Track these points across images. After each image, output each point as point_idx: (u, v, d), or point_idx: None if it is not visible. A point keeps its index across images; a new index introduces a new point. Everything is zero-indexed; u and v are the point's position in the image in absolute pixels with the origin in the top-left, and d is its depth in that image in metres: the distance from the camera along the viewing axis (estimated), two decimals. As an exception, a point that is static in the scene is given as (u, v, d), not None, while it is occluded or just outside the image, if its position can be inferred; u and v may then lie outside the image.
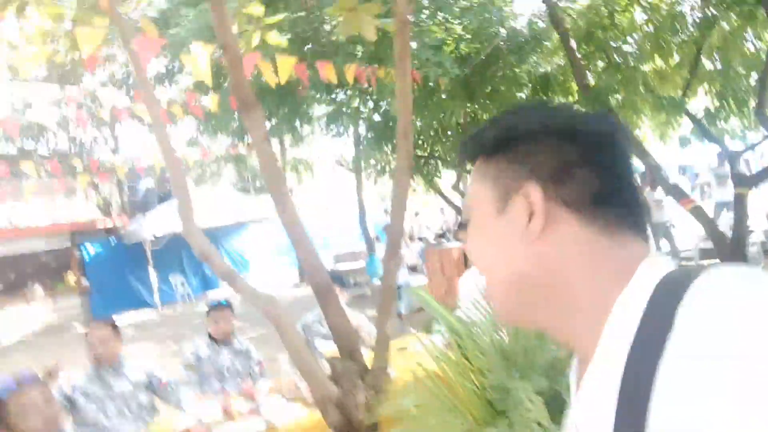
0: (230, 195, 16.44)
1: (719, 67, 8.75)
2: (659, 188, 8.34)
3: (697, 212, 6.72)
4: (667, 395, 0.45)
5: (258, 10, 3.82)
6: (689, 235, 10.28)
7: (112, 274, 14.02)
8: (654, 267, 0.55)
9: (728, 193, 9.81)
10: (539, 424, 1.39)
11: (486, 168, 0.65)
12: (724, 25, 8.25)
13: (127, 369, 3.16)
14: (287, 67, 5.59)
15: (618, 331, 0.53)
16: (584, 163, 0.59)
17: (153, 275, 13.90)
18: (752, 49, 8.59)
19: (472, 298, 2.19)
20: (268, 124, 10.61)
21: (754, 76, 8.01)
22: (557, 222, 0.58)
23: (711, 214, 9.26)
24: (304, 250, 2.28)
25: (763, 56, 7.77)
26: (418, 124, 9.53)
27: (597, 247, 0.57)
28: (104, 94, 14.55)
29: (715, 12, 6.91)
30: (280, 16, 3.77)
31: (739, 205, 6.78)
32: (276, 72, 5.65)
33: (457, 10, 7.84)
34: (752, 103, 7.93)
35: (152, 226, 13.42)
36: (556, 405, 1.55)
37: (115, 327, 3.18)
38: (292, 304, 11.36)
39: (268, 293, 2.29)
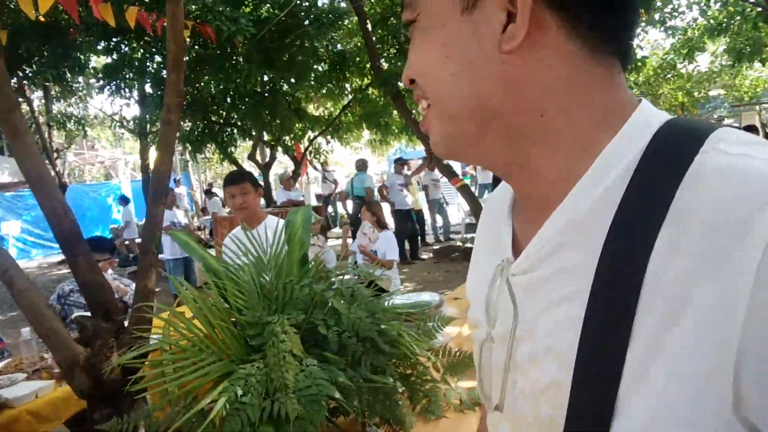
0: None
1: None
2: (436, 169, 9.27)
3: (464, 191, 7.65)
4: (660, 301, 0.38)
5: None
6: (457, 211, 11.73)
7: None
8: (653, 112, 0.46)
9: (489, 176, 11.47)
10: (292, 353, 1.40)
11: None
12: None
13: None
14: (47, -5, 4.74)
15: (597, 189, 0.44)
16: None
17: None
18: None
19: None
20: (28, 70, 8.95)
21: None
22: (540, 30, 0.44)
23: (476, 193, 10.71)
24: (45, 191, 1.95)
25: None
26: (213, 87, 9.01)
27: (585, 72, 0.45)
28: None
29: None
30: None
31: (496, 185, 7.99)
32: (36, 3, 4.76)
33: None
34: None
35: None
36: (312, 336, 1.59)
37: None
38: (55, 283, 9.91)
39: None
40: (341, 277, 1.62)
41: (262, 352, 1.48)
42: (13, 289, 1.91)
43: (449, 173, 7.85)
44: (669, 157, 0.41)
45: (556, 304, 0.46)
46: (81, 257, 2.05)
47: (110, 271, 3.84)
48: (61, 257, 12.90)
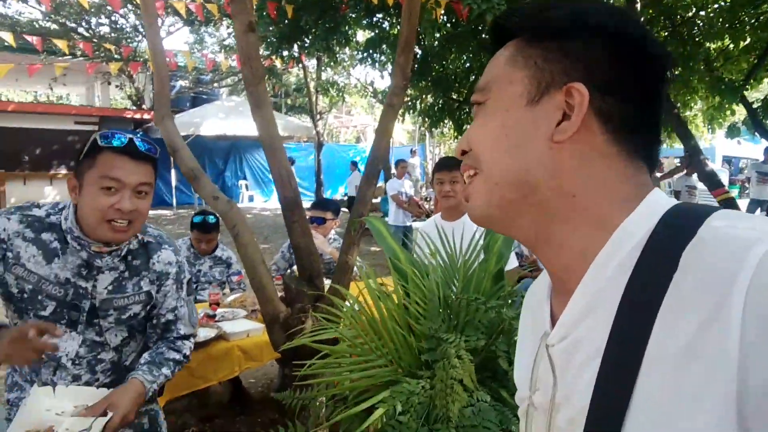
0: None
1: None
2: (695, 174, 7.83)
3: (728, 205, 6.31)
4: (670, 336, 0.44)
5: None
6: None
7: (134, 166, 14.20)
8: (661, 199, 0.53)
9: (766, 191, 9.27)
10: (461, 382, 1.24)
11: (529, 51, 0.57)
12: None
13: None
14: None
15: (614, 259, 0.51)
16: (636, 81, 0.54)
17: (173, 175, 14.06)
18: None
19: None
20: (306, 40, 10.24)
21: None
22: (587, 132, 0.54)
23: (744, 210, 8.76)
24: (276, 158, 2.11)
25: None
26: (458, 65, 9.08)
27: (615, 170, 0.54)
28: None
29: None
30: None
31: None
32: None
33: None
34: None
35: (179, 127, 13.47)
36: (490, 367, 1.40)
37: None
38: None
39: (227, 198, 2.14)
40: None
41: (431, 370, 1.36)
42: (238, 242, 2.14)
43: (712, 182, 6.56)
44: (674, 233, 0.48)
45: (585, 365, 0.51)
46: (297, 223, 2.20)
47: (333, 231, 4.15)
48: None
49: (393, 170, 12.00)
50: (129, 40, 16.40)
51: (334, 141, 23.97)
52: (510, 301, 1.44)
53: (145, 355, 1.63)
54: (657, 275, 0.46)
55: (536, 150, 0.55)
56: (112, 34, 16.53)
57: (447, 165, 2.83)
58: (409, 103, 10.85)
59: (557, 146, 0.54)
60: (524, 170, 0.55)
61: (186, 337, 1.72)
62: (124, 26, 16.84)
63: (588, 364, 0.51)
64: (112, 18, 16.47)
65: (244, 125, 14.37)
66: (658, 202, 0.53)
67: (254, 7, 7.19)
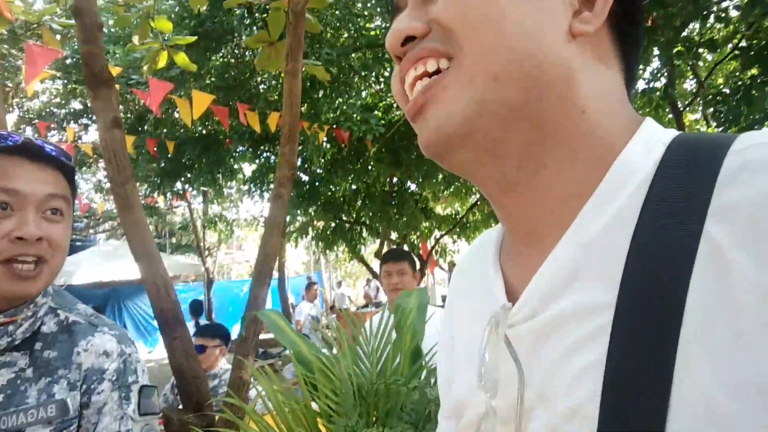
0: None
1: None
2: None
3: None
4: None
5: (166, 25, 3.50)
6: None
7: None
8: (660, 126, 0.41)
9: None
10: (391, 486, 1.00)
11: None
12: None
13: None
14: (203, 103, 5.30)
15: (614, 202, 0.37)
16: None
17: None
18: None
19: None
20: (190, 175, 10.09)
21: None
22: (599, 29, 0.41)
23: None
24: (150, 267, 1.84)
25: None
26: (345, 188, 9.39)
27: (616, 83, 0.43)
28: None
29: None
30: (190, 38, 3.47)
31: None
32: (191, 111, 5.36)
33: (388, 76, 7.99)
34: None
35: (45, 276, 12.14)
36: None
37: None
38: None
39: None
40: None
41: (352, 479, 1.10)
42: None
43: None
44: (694, 162, 0.35)
45: (573, 351, 0.36)
46: (177, 340, 1.88)
47: (224, 360, 3.71)
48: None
49: (291, 301, 11.59)
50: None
51: (226, 277, 23.01)
52: (434, 379, 1.26)
53: None
54: (679, 219, 0.33)
55: (551, 37, 0.39)
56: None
57: (394, 256, 2.73)
58: (301, 229, 10.86)
59: (575, 42, 0.40)
60: (537, 61, 0.38)
61: None
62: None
63: (576, 350, 0.35)
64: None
65: (123, 269, 13.31)
66: (658, 130, 0.40)
67: (121, 104, 7.02)
